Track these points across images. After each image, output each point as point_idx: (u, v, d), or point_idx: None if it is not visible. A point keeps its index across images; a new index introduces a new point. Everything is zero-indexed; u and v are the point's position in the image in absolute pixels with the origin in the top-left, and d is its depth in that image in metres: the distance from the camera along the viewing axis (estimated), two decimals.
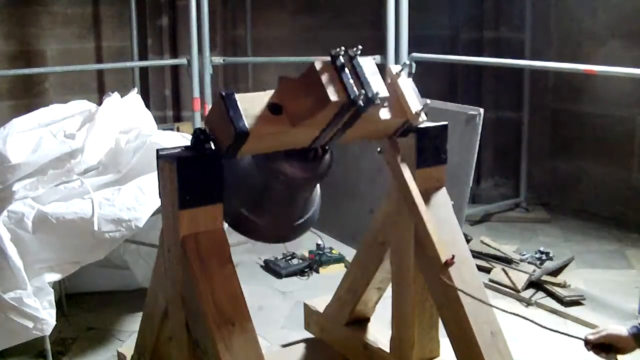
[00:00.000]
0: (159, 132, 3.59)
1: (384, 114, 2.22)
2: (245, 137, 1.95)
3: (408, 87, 2.31)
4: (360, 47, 2.06)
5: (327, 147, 2.24)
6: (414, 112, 2.28)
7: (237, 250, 4.41)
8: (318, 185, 2.53)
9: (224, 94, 1.98)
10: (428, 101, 2.31)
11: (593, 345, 2.13)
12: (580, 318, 3.54)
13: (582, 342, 2.13)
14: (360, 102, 1.98)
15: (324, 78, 1.97)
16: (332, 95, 1.96)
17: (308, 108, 2.00)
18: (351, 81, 1.99)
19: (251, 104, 2.00)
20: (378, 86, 2.05)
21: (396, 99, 2.27)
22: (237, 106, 1.96)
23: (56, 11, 5.33)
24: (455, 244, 2.40)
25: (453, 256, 2.25)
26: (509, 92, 5.47)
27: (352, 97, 1.97)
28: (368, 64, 2.09)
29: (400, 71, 2.32)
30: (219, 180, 2.05)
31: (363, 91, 1.99)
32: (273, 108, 2.02)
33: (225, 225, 2.26)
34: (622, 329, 2.12)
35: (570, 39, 5.25)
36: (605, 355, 2.12)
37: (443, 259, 2.26)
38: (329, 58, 2.03)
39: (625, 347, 2.10)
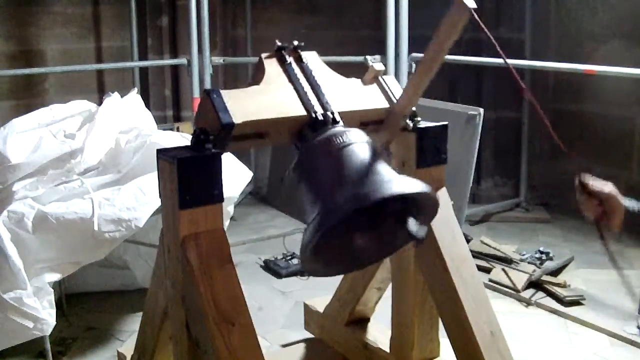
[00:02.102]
0: (159, 132, 3.58)
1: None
2: (218, 94, 2.06)
3: (390, 79, 2.43)
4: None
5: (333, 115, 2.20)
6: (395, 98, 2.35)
7: (237, 250, 4.42)
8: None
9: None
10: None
11: (586, 190, 1.93)
12: (580, 318, 3.54)
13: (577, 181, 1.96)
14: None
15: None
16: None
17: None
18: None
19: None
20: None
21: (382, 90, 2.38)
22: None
23: (56, 11, 5.33)
24: (455, 244, 2.40)
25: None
26: (509, 92, 5.47)
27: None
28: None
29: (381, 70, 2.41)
30: (219, 180, 2.05)
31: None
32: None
33: (226, 225, 2.26)
34: (621, 198, 1.92)
35: (570, 39, 5.25)
36: (590, 205, 1.93)
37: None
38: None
39: (614, 213, 1.91)
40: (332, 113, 2.18)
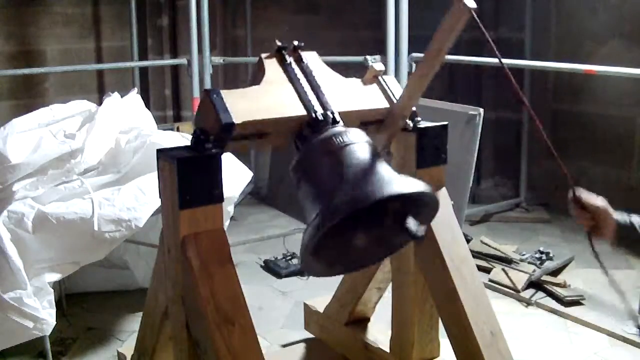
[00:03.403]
0: (159, 132, 3.59)
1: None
2: (218, 94, 2.06)
3: (390, 79, 2.44)
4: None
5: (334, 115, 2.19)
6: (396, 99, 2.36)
7: (237, 250, 4.41)
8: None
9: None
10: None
11: (577, 202, 2.03)
12: (580, 318, 3.54)
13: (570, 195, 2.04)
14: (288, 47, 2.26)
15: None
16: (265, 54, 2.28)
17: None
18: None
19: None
20: None
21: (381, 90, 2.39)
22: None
23: (56, 11, 5.33)
24: (455, 244, 2.40)
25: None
26: (509, 92, 5.45)
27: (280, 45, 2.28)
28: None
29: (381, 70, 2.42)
30: (219, 180, 2.06)
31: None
32: None
33: (226, 225, 2.26)
34: (612, 212, 2.02)
35: (570, 39, 5.25)
36: (582, 218, 2.03)
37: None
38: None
39: (602, 224, 2.01)
40: (332, 113, 2.18)
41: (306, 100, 2.21)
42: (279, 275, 4.17)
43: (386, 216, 2.04)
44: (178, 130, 4.84)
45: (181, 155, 2.03)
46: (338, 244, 2.07)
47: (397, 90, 2.39)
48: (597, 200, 2.04)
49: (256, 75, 2.29)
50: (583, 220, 2.04)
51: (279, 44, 2.33)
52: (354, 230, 2.10)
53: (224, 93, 2.09)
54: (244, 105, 2.10)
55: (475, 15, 1.95)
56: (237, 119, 2.04)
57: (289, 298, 3.87)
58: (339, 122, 2.17)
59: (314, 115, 2.16)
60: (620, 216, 2.02)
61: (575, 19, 5.24)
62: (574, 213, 2.06)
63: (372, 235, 2.13)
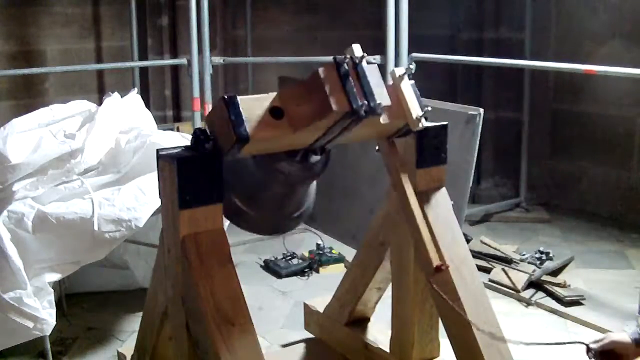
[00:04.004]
0: (159, 132, 3.59)
1: (384, 118, 2.20)
2: (246, 142, 1.96)
3: (410, 92, 2.28)
4: (364, 53, 2.06)
5: (325, 148, 2.25)
6: (414, 118, 2.25)
7: (237, 250, 4.41)
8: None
9: (226, 97, 1.98)
10: (429, 108, 2.29)
11: (595, 353, 2.11)
12: (580, 318, 3.54)
13: (584, 348, 2.13)
14: (362, 112, 1.97)
15: (328, 86, 1.96)
16: (335, 105, 1.95)
17: (309, 114, 2.00)
18: (355, 91, 1.98)
19: (252, 107, 2.00)
20: (381, 96, 2.05)
21: (397, 102, 2.24)
22: (239, 110, 1.95)
23: (56, 11, 5.33)
24: (455, 244, 2.39)
25: (444, 264, 2.25)
26: (509, 92, 5.47)
27: (354, 107, 1.96)
28: (372, 72, 2.08)
29: (404, 74, 2.29)
30: (219, 180, 2.06)
31: (366, 102, 1.98)
32: (274, 112, 2.02)
33: (226, 225, 2.26)
34: (624, 335, 2.10)
35: (570, 39, 5.25)
36: None
37: (434, 263, 2.24)
38: (331, 59, 2.02)
39: (628, 353, 2.08)
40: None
41: (321, 142, 2.15)
42: (279, 275, 4.17)
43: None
44: (178, 130, 4.84)
45: (181, 155, 2.03)
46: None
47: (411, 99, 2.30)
48: (609, 339, 2.12)
49: (312, 92, 1.99)
50: None
51: (346, 60, 2.01)
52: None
53: (252, 134, 1.95)
54: (260, 147, 2.07)
55: None
56: (248, 150, 2.05)
57: (289, 298, 3.87)
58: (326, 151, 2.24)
59: (317, 156, 2.20)
60: (634, 335, 2.09)
61: (575, 19, 5.24)
62: None
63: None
